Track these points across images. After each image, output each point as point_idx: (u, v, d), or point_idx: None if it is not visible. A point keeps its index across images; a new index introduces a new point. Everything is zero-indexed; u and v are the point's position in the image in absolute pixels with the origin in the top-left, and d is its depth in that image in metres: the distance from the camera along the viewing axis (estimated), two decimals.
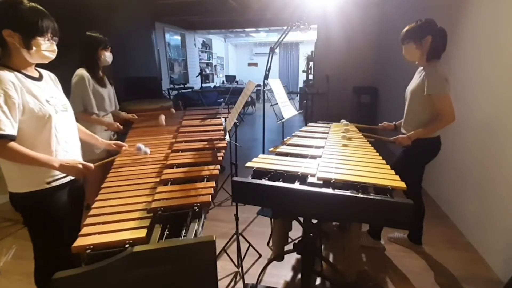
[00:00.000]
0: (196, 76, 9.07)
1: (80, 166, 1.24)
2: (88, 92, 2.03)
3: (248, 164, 1.48)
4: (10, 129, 1.09)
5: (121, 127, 2.19)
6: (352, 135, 2.09)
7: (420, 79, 1.88)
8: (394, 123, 2.24)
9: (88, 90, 2.03)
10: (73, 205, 1.36)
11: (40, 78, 1.27)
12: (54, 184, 1.24)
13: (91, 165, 1.28)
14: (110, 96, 2.24)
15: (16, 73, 1.16)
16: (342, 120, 2.45)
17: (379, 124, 2.29)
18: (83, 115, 2.04)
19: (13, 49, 1.15)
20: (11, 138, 1.10)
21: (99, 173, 1.57)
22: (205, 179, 1.36)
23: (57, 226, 1.28)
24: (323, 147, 1.79)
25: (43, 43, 1.18)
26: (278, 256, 1.65)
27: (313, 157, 1.61)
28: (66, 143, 1.30)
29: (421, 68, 1.94)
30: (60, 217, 1.30)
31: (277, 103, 2.18)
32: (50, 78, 1.35)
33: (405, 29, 1.90)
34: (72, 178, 1.33)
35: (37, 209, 1.25)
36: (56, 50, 1.26)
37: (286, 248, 1.67)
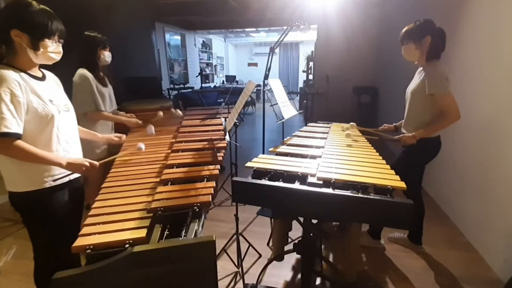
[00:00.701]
0: (196, 76, 9.07)
1: (87, 163, 1.25)
2: (95, 91, 2.06)
3: (248, 164, 1.48)
4: (16, 128, 1.10)
5: (140, 122, 2.14)
6: (353, 135, 2.09)
7: (420, 79, 1.88)
8: (394, 124, 2.24)
9: (94, 89, 2.05)
10: (72, 205, 1.37)
11: (43, 78, 1.28)
12: (53, 183, 1.25)
13: (96, 163, 1.29)
14: (111, 95, 2.25)
15: (20, 72, 1.17)
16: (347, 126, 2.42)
17: (380, 128, 2.28)
18: (96, 113, 2.06)
19: (19, 49, 1.15)
20: (18, 136, 1.10)
21: (99, 173, 1.57)
22: (205, 179, 1.36)
23: (57, 226, 1.28)
24: (323, 147, 1.79)
25: (50, 45, 1.19)
26: (278, 256, 1.65)
27: (313, 157, 1.61)
28: (67, 143, 1.31)
29: (421, 68, 1.94)
30: (60, 217, 1.30)
31: (277, 103, 2.18)
32: (52, 79, 1.36)
33: (404, 30, 1.90)
34: (72, 178, 1.33)
35: (36, 209, 1.25)
36: (62, 52, 1.27)
37: (286, 248, 1.67)
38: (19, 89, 1.12)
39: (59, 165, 1.21)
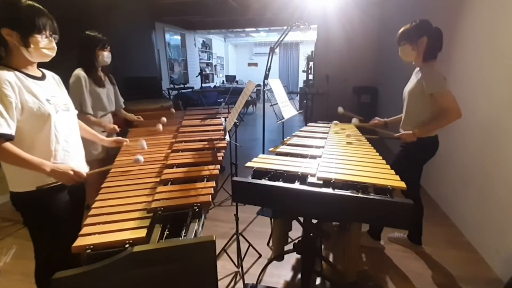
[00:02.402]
0: (196, 76, 9.07)
1: (71, 172, 1.21)
2: (84, 93, 2.01)
3: (248, 164, 1.48)
4: (6, 128, 1.07)
5: (117, 129, 2.13)
6: (353, 135, 2.09)
7: (418, 80, 1.88)
8: (384, 119, 2.24)
9: (84, 90, 2.01)
10: (74, 205, 1.37)
11: (42, 77, 1.27)
12: (56, 182, 1.24)
13: (83, 172, 1.25)
14: (110, 96, 2.22)
15: (16, 72, 1.16)
16: (339, 108, 2.43)
17: (370, 122, 2.30)
18: (79, 115, 2.03)
19: (13, 48, 1.15)
20: (7, 137, 1.08)
21: (98, 173, 1.57)
22: (205, 179, 1.36)
23: (58, 226, 1.28)
24: (323, 147, 1.79)
25: (41, 41, 1.17)
26: (278, 256, 1.65)
27: (313, 157, 1.61)
28: (67, 142, 1.30)
29: (418, 68, 1.94)
30: (61, 217, 1.30)
31: (277, 103, 2.18)
32: (53, 79, 1.35)
33: (400, 30, 1.90)
34: None
35: (38, 209, 1.25)
36: (56, 48, 1.25)
37: (286, 248, 1.67)
38: (11, 89, 1.10)
39: (43, 171, 1.16)
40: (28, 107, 1.15)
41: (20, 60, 1.18)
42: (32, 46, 1.16)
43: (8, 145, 1.10)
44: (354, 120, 2.38)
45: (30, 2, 1.16)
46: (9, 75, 1.12)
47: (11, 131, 1.10)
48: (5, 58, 1.16)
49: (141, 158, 1.47)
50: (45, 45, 1.20)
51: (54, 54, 1.25)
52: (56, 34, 1.24)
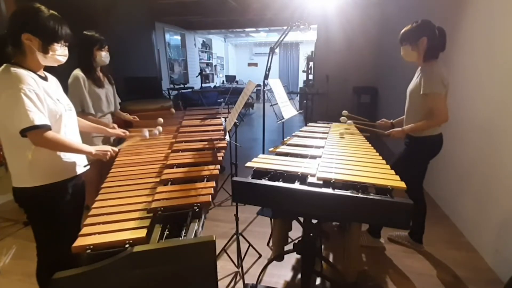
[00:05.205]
0: (196, 76, 9.07)
1: (111, 151, 1.38)
2: (84, 93, 2.00)
3: (248, 164, 1.48)
4: (46, 120, 1.15)
5: (116, 128, 2.11)
6: (351, 133, 2.10)
7: (418, 79, 1.89)
8: (391, 121, 2.26)
9: (84, 90, 2.00)
10: (76, 201, 1.40)
11: (46, 79, 1.31)
12: (61, 178, 1.28)
13: (116, 149, 1.44)
14: (109, 96, 2.20)
15: (30, 72, 1.20)
16: (344, 112, 2.44)
17: (377, 122, 2.31)
18: (81, 115, 2.03)
19: (28, 51, 1.19)
20: (47, 127, 1.15)
21: (94, 173, 1.57)
22: (205, 179, 1.36)
23: (62, 222, 1.30)
24: (323, 147, 1.79)
25: (58, 49, 1.24)
26: (278, 256, 1.65)
27: (313, 157, 1.61)
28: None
29: (420, 68, 1.95)
30: (65, 213, 1.32)
31: (277, 103, 2.18)
32: (52, 80, 1.38)
33: (402, 31, 1.92)
34: (77, 174, 1.37)
35: (41, 204, 1.27)
36: (67, 54, 1.31)
37: (286, 248, 1.67)
38: (37, 86, 1.17)
39: (89, 153, 1.30)
40: (47, 106, 1.20)
41: (33, 63, 1.22)
42: (50, 53, 1.21)
43: (53, 132, 1.17)
44: (344, 112, 2.40)
45: (53, 12, 1.22)
46: (30, 74, 1.18)
47: (49, 122, 1.17)
48: (16, 58, 1.20)
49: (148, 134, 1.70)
50: (61, 53, 1.26)
51: (65, 61, 1.30)
52: (68, 42, 1.29)
